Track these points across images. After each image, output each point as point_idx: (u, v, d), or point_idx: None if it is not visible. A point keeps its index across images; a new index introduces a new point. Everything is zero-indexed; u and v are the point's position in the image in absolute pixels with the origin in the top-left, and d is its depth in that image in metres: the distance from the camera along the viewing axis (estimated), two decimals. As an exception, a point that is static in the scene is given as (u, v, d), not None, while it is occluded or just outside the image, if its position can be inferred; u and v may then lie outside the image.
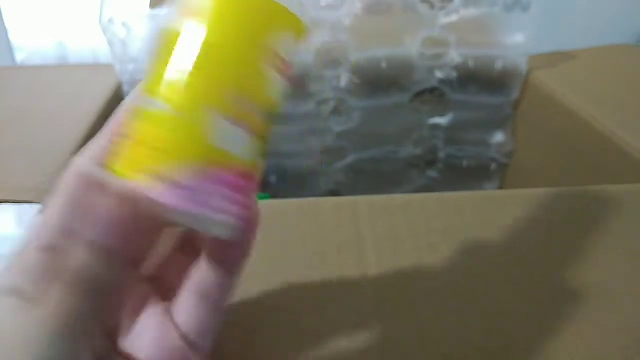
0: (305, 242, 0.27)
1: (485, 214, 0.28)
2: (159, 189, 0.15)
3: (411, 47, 0.47)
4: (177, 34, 0.16)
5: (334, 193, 0.54)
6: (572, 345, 0.24)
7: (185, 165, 0.15)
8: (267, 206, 0.28)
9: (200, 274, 0.19)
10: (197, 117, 0.15)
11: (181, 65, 0.16)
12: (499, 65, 0.47)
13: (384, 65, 0.47)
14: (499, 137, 0.51)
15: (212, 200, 0.16)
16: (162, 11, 0.44)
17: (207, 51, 0.16)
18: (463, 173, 0.53)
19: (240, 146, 0.16)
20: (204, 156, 0.15)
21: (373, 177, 0.53)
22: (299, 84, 0.47)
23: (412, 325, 0.25)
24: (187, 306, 0.19)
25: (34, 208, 0.29)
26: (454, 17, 0.46)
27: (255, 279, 0.25)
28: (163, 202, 0.15)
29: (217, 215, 0.16)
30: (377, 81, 0.47)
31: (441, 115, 0.50)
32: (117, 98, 0.44)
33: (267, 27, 0.16)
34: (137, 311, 0.20)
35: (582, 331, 0.24)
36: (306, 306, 0.24)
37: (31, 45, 0.69)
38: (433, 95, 0.49)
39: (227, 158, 0.16)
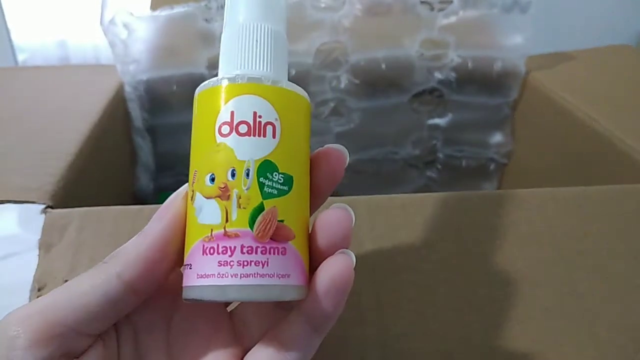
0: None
1: (484, 214, 0.28)
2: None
3: (410, 48, 0.47)
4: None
5: (334, 193, 0.54)
6: (572, 344, 0.24)
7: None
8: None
9: (287, 329, 0.19)
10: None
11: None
12: (497, 66, 0.47)
13: (383, 66, 0.47)
14: (497, 137, 0.51)
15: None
16: (164, 12, 0.44)
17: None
18: (462, 173, 0.53)
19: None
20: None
21: (372, 177, 0.53)
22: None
23: (411, 325, 0.25)
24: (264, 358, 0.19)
25: (36, 208, 0.29)
26: (452, 19, 0.46)
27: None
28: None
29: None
30: (377, 82, 0.47)
31: (440, 115, 0.50)
32: (118, 98, 0.44)
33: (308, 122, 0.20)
34: (206, 343, 0.20)
35: (585, 331, 0.25)
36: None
37: (33, 45, 0.69)
38: (432, 96, 0.49)
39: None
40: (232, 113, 0.18)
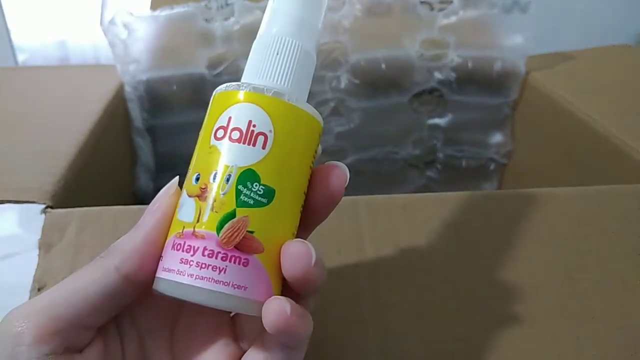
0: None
1: (484, 214, 0.28)
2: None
3: (410, 48, 0.47)
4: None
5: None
6: (573, 344, 0.24)
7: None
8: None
9: (270, 338, 0.18)
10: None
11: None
12: (497, 66, 0.47)
13: (383, 66, 0.47)
14: (497, 137, 0.51)
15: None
16: (164, 12, 0.44)
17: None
18: (462, 173, 0.53)
19: None
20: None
21: (372, 177, 0.53)
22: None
23: (411, 325, 0.25)
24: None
25: (36, 208, 0.29)
26: (453, 19, 0.46)
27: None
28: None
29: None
30: (377, 82, 0.47)
31: (440, 115, 0.50)
32: (118, 98, 0.44)
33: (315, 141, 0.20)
34: (207, 344, 0.20)
35: (585, 331, 0.25)
36: (306, 305, 0.25)
37: (33, 45, 0.69)
38: (432, 96, 0.49)
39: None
40: (230, 119, 0.18)
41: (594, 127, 0.39)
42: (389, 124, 0.50)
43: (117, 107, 0.44)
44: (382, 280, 0.26)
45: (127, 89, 0.45)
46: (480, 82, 0.48)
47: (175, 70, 0.46)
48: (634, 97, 0.42)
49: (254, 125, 0.18)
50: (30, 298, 0.25)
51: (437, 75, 0.48)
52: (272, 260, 0.18)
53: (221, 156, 0.18)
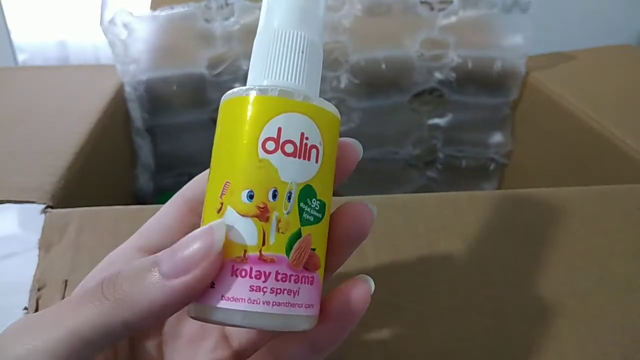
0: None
1: (484, 214, 0.28)
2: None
3: (410, 48, 0.47)
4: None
5: (334, 193, 0.54)
6: (573, 344, 0.24)
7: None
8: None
9: (284, 347, 0.18)
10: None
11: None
12: (497, 66, 0.47)
13: (383, 66, 0.47)
14: (497, 137, 0.51)
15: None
16: (164, 12, 0.44)
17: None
18: (462, 173, 0.53)
19: None
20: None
21: (373, 177, 0.53)
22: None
23: (411, 324, 0.25)
24: None
25: (36, 208, 0.29)
26: (453, 19, 0.46)
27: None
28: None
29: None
30: (377, 82, 0.47)
31: (440, 115, 0.50)
32: (118, 98, 0.44)
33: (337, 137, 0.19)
34: (196, 345, 0.20)
35: (585, 331, 0.25)
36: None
37: (33, 45, 0.69)
38: (432, 96, 0.49)
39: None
40: (280, 130, 0.17)
41: (593, 127, 0.39)
42: (389, 124, 0.50)
43: (117, 107, 0.44)
44: (382, 280, 0.26)
45: (127, 89, 0.45)
46: (480, 82, 0.48)
47: (175, 70, 0.46)
48: (634, 97, 0.42)
49: (307, 138, 0.17)
50: (30, 298, 0.25)
51: (437, 75, 0.48)
52: (323, 272, 0.18)
53: (278, 172, 0.16)
